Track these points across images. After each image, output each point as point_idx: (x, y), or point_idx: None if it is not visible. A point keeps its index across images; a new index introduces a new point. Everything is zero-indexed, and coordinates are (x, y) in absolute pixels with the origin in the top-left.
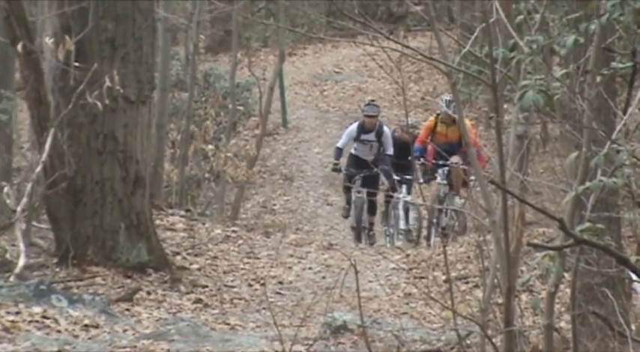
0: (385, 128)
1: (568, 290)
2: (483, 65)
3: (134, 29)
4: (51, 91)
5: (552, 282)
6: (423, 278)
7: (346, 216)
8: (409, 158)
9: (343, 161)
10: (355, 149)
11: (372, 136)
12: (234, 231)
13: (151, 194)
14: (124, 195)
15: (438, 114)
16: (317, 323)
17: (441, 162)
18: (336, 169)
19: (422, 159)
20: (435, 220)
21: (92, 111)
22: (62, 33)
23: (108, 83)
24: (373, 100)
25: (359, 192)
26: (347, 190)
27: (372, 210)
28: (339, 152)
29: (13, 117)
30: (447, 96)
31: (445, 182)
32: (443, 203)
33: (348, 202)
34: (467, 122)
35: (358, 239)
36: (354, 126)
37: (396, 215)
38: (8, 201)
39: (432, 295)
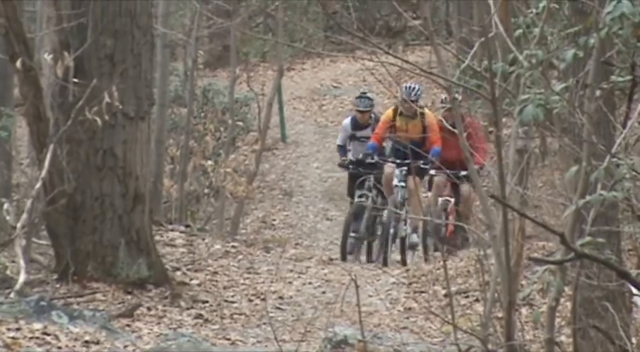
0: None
1: (568, 304)
2: (482, 79)
3: (133, 45)
4: (50, 107)
5: (553, 296)
6: (423, 292)
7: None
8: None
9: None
10: (352, 152)
11: (368, 132)
12: (233, 247)
13: (151, 210)
14: (124, 211)
15: (396, 107)
16: (317, 338)
17: (398, 161)
18: (343, 165)
19: (375, 158)
20: (392, 230)
21: (91, 127)
22: (61, 49)
23: (107, 99)
24: (365, 93)
25: (361, 195)
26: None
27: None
28: (343, 149)
29: (12, 134)
30: (410, 84)
31: (403, 184)
32: (401, 208)
33: (355, 231)
34: (430, 115)
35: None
36: (347, 120)
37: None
38: (8, 218)
39: (433, 309)
